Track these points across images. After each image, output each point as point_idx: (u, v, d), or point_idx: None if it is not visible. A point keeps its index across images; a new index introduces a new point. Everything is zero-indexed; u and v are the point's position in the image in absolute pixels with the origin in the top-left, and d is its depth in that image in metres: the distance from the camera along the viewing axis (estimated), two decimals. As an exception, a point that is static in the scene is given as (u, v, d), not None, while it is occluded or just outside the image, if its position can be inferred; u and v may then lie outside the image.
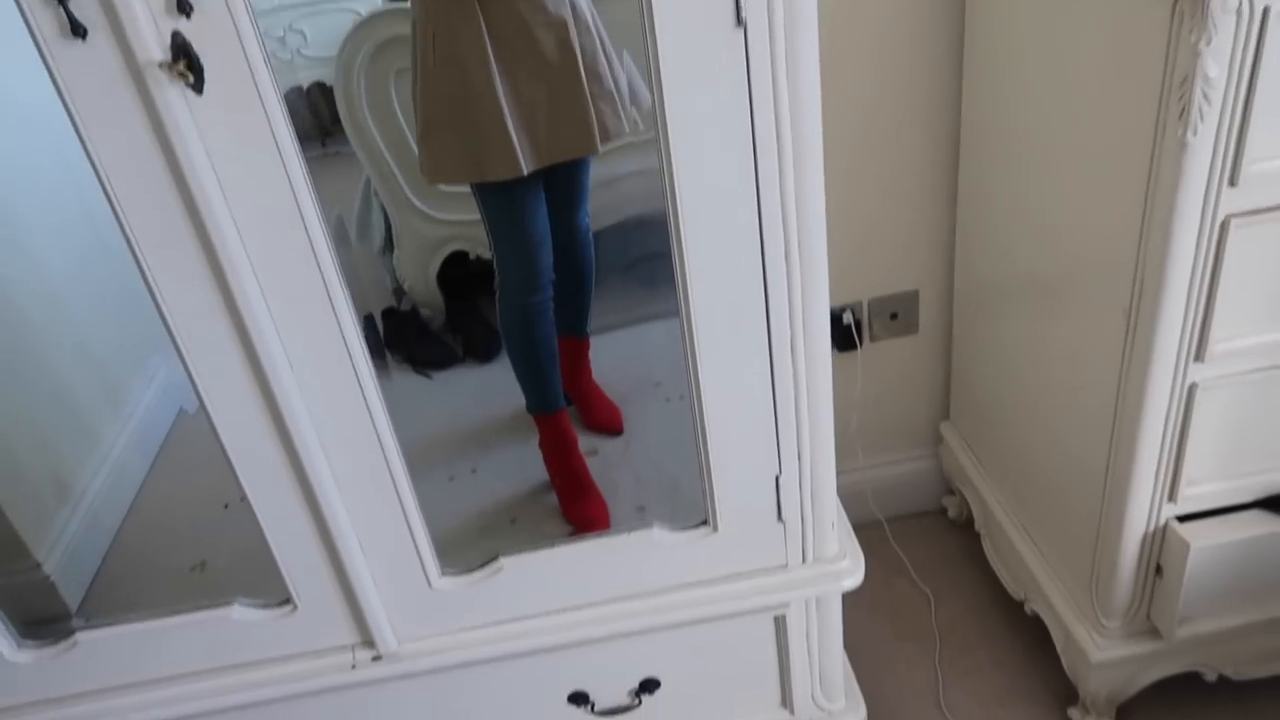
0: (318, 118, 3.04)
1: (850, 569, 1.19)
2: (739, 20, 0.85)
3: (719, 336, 1.03)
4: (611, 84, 1.49)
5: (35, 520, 1.86)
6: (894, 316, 1.79)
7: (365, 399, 1.02)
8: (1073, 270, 1.31)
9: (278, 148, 0.87)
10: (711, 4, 0.84)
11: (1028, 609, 1.62)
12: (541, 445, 1.76)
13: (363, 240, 2.36)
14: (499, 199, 1.50)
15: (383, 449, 1.06)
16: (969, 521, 1.89)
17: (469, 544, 1.87)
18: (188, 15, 0.79)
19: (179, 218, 0.87)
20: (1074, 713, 1.53)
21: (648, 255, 2.78)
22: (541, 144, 1.42)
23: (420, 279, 2.38)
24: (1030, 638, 1.66)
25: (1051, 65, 1.26)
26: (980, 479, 1.77)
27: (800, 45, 0.87)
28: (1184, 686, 1.47)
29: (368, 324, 1.14)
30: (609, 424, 1.98)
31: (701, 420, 1.08)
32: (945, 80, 1.55)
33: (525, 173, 1.41)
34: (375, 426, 1.04)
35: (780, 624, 1.24)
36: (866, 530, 1.89)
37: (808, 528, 1.16)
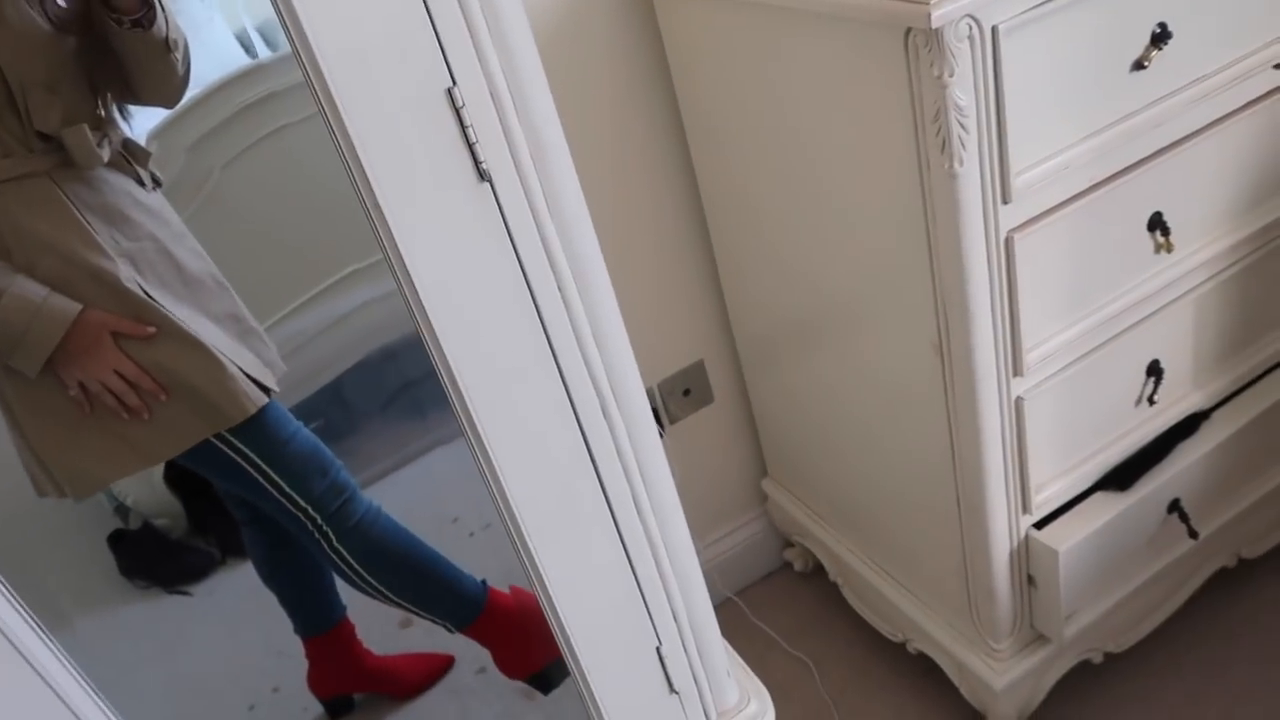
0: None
1: (759, 712, 1.06)
2: (481, 175, 0.70)
3: (553, 526, 0.86)
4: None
5: None
6: (687, 392, 1.70)
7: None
8: (858, 310, 1.26)
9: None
10: (441, 166, 0.68)
11: (911, 648, 1.57)
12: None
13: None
14: (256, 434, 1.19)
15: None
16: (818, 569, 1.82)
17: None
18: None
19: None
20: (988, 738, 1.48)
21: (404, 385, 2.54)
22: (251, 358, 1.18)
23: (144, 487, 2.02)
24: (921, 675, 1.60)
25: (775, 116, 1.20)
26: (819, 529, 1.71)
27: (558, 181, 0.73)
28: (1076, 674, 1.45)
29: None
30: (432, 674, 1.72)
31: (561, 625, 0.90)
32: (673, 153, 1.48)
33: (271, 396, 1.17)
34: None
35: (702, 798, 1.09)
36: (723, 611, 1.77)
37: (704, 688, 1.01)
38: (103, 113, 1.03)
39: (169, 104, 1.07)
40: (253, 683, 1.77)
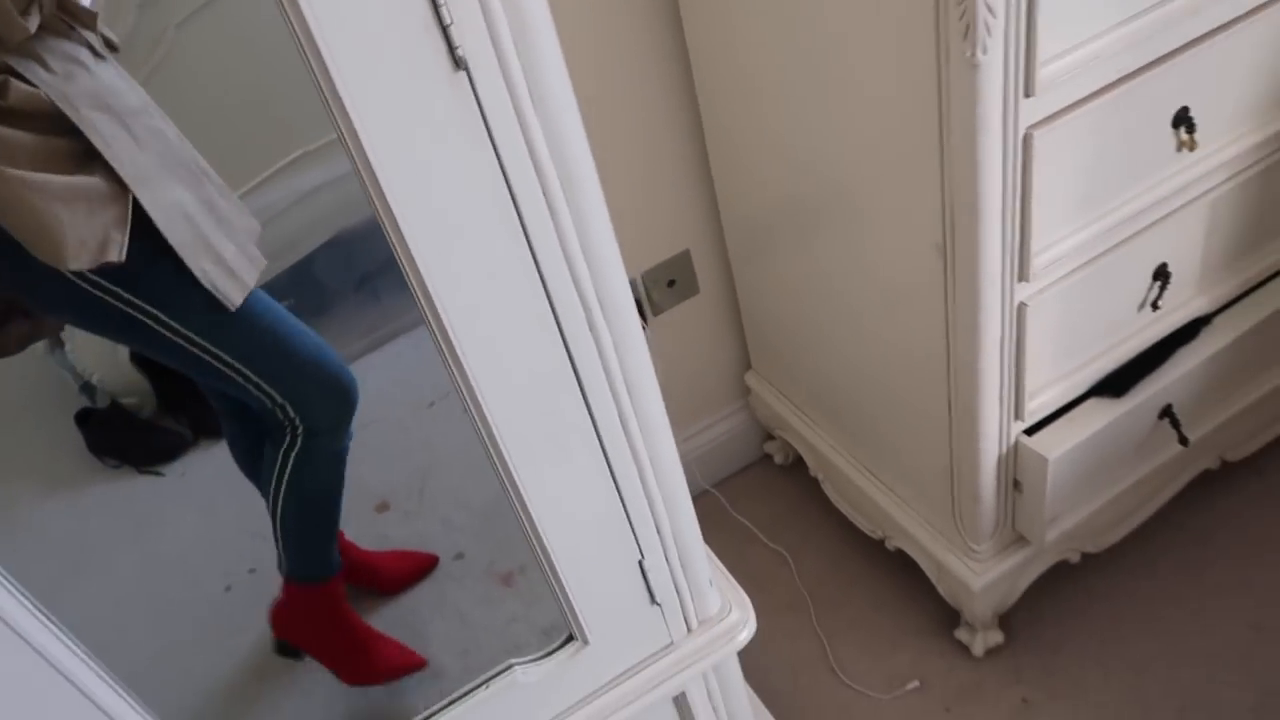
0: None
1: (740, 620, 1.03)
2: (456, 63, 0.61)
3: (533, 446, 0.81)
4: None
5: None
6: (671, 283, 1.63)
7: None
8: (857, 203, 1.19)
9: None
10: (412, 51, 0.59)
11: (889, 545, 1.56)
12: (296, 616, 1.34)
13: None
14: (239, 323, 1.02)
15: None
16: (797, 462, 1.81)
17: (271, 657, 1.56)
18: None
19: None
20: (961, 634, 1.50)
21: (375, 269, 2.44)
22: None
23: (110, 366, 1.95)
24: (898, 570, 1.61)
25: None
26: (801, 423, 1.68)
27: (543, 69, 0.64)
28: (1050, 571, 1.46)
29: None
30: (416, 573, 1.67)
31: (540, 541, 0.86)
32: (665, 24, 1.36)
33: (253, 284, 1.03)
34: None
35: (681, 704, 1.08)
36: (701, 503, 1.76)
37: (685, 598, 0.99)
38: None
39: None
40: (229, 563, 1.75)
